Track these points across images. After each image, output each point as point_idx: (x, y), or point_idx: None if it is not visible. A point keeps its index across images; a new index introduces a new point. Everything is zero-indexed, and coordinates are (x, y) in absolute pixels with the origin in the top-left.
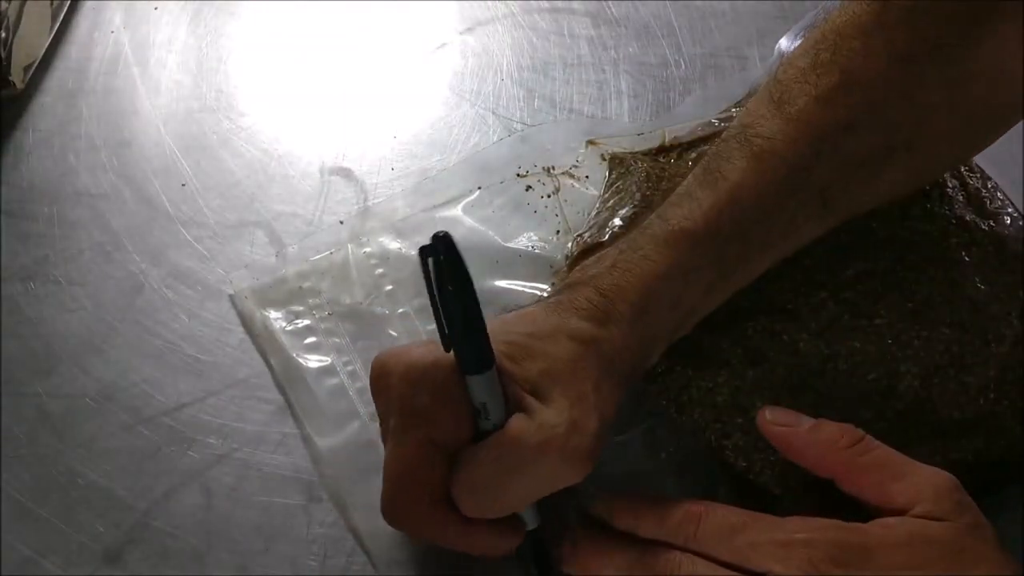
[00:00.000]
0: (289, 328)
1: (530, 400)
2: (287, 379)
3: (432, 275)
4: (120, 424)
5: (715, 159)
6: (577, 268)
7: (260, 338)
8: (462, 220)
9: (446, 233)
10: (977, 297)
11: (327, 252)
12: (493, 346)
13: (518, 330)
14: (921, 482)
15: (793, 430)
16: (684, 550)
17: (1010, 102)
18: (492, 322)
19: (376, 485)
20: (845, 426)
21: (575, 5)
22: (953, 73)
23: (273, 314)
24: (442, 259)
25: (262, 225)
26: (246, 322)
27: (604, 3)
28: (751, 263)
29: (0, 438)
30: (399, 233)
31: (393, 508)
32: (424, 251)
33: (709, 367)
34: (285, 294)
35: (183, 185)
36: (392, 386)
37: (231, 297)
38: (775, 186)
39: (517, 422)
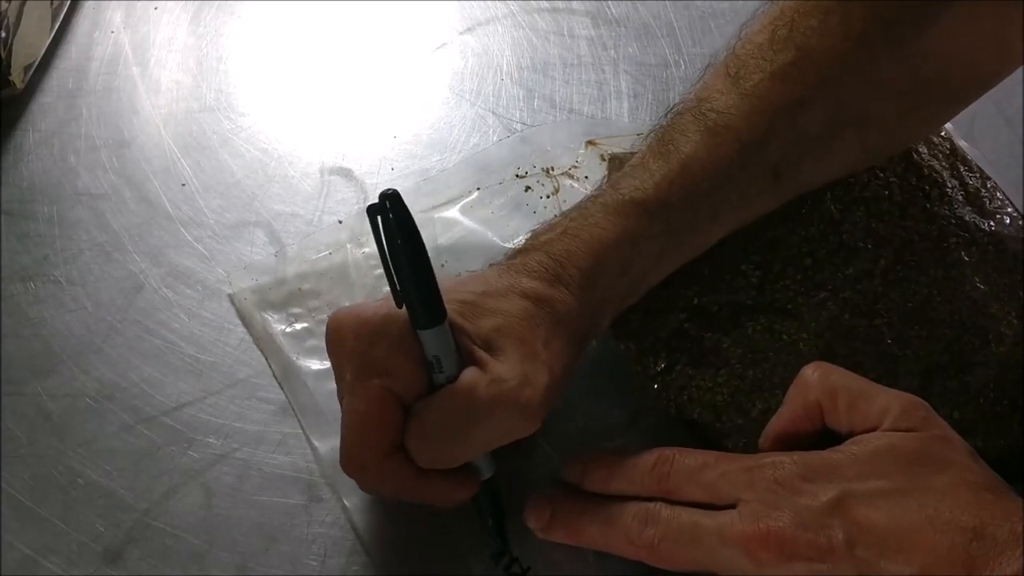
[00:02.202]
0: (288, 331)
1: (482, 354)
2: (287, 381)
3: (382, 233)
4: (120, 424)
5: (669, 131)
6: (530, 235)
7: (260, 340)
8: (461, 221)
9: (395, 191)
10: (977, 297)
11: (326, 252)
12: (446, 305)
13: (471, 289)
14: (890, 399)
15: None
16: (658, 499)
17: (961, 83)
18: (446, 282)
19: None
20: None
21: (575, 5)
22: (906, 52)
23: (272, 317)
24: (391, 217)
25: (262, 225)
26: (246, 322)
27: (604, 3)
28: (701, 234)
29: (0, 438)
30: None
31: (350, 458)
32: (372, 209)
33: (709, 367)
34: (284, 296)
35: (183, 185)
36: (346, 341)
37: (231, 297)
38: (727, 160)
39: (470, 375)
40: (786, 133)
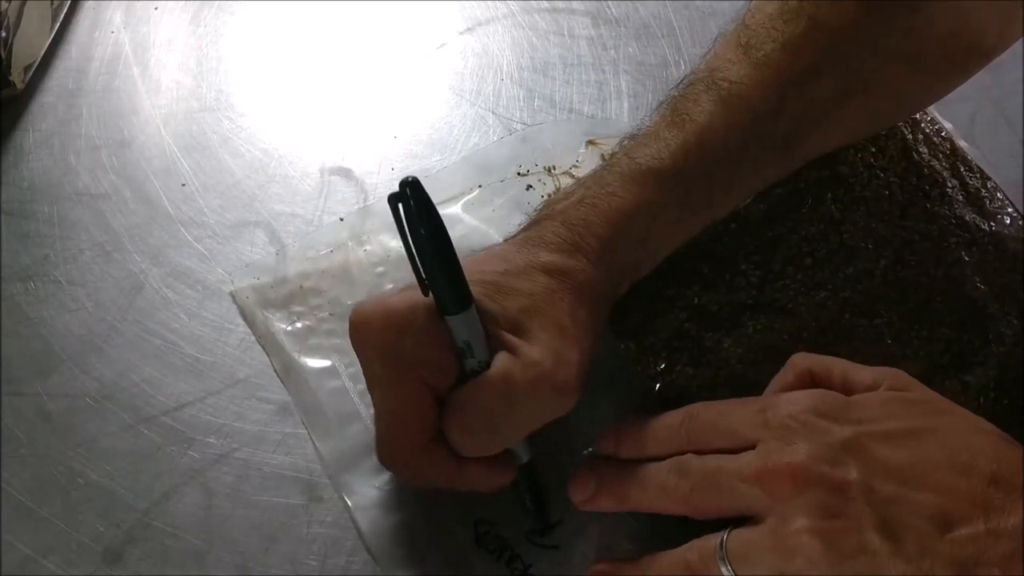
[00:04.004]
0: (290, 329)
1: (511, 338)
2: (289, 380)
3: (404, 221)
4: (120, 424)
5: (682, 101)
6: (544, 204)
7: (263, 338)
8: (462, 218)
9: (415, 178)
10: (977, 297)
11: (327, 251)
12: (470, 288)
13: (491, 269)
14: (881, 370)
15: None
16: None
17: (967, 52)
18: (464, 262)
19: (379, 485)
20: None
21: (575, 5)
22: (915, 21)
23: (274, 315)
24: (412, 204)
25: (262, 225)
26: (248, 320)
27: (604, 3)
28: (715, 203)
29: (0, 438)
30: None
31: (389, 453)
32: (393, 198)
33: (709, 367)
34: (286, 294)
35: (183, 185)
36: (373, 335)
37: (232, 294)
38: (741, 129)
39: (504, 362)
40: (798, 103)
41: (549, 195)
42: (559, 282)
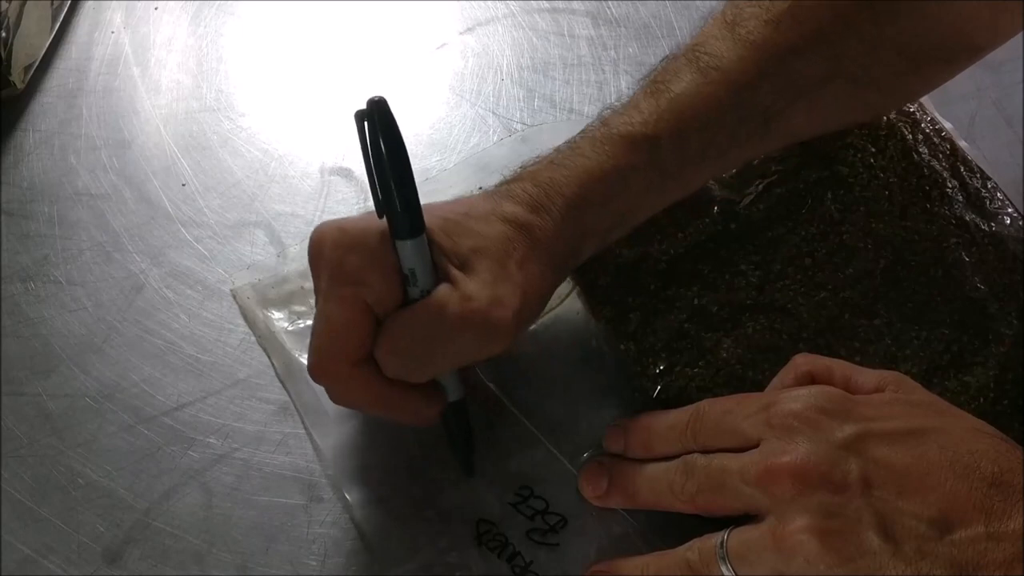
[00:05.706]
0: (291, 329)
1: (456, 273)
2: (289, 379)
3: (367, 139)
4: (120, 424)
5: (663, 74)
6: (518, 167)
7: (263, 338)
8: None
9: (381, 98)
10: (977, 297)
11: None
12: (428, 220)
13: (454, 209)
14: (883, 374)
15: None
16: (697, 452)
17: (957, 46)
18: (430, 203)
19: (380, 484)
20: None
21: (575, 5)
22: (903, 9)
23: (275, 315)
24: (376, 122)
25: (262, 225)
26: (249, 320)
27: (604, 3)
28: (689, 172)
29: (0, 438)
30: None
31: (320, 364)
32: (360, 115)
33: (709, 367)
34: (286, 294)
35: (183, 185)
36: (325, 250)
37: (233, 293)
38: (716, 99)
39: (442, 291)
40: (778, 77)
41: None
42: (516, 232)
